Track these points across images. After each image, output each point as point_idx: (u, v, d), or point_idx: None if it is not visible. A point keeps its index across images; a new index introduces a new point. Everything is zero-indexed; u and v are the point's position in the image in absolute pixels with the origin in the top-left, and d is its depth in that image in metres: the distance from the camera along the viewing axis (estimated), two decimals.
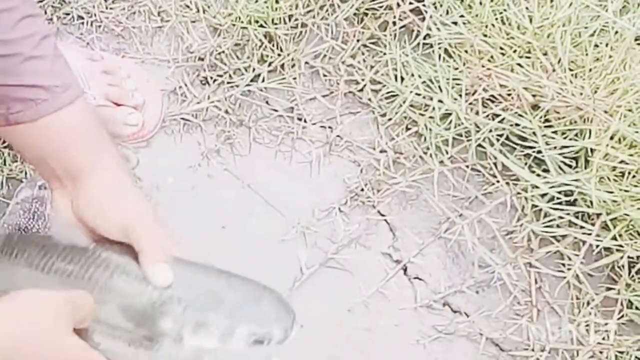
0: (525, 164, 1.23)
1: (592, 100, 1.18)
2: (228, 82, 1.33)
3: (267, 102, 1.33)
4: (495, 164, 1.25)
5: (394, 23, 1.36)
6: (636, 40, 1.27)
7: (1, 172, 1.23)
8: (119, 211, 0.84)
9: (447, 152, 1.25)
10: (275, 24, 1.35)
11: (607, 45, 1.27)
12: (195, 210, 1.24)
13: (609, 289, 1.18)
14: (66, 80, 0.85)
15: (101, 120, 0.90)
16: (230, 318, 0.78)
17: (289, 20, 1.36)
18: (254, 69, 1.34)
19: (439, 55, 1.30)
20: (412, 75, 1.30)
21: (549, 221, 1.19)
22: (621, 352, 1.13)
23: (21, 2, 0.82)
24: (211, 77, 1.34)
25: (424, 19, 1.34)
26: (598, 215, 1.16)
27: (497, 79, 1.24)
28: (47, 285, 0.81)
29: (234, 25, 1.36)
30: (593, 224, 1.16)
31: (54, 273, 0.82)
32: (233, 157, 1.29)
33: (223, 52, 1.35)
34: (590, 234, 1.15)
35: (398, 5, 1.35)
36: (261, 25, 1.35)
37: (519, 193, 1.22)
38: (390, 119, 1.30)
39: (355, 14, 1.38)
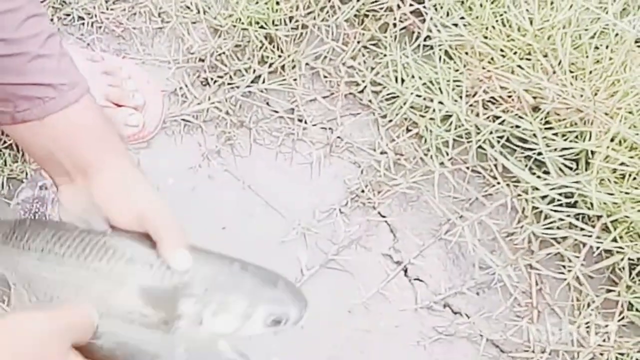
0: (526, 165, 1.23)
1: (593, 103, 1.18)
2: (228, 83, 1.33)
3: (267, 103, 1.33)
4: (495, 165, 1.25)
5: (395, 25, 1.36)
6: (636, 42, 1.27)
7: (2, 173, 1.23)
8: (134, 200, 0.84)
9: (447, 154, 1.26)
10: (276, 25, 1.35)
11: (607, 47, 1.27)
12: (196, 211, 1.24)
13: (609, 290, 1.18)
14: (73, 78, 0.86)
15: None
16: (250, 298, 0.79)
17: (290, 21, 1.36)
18: (254, 70, 1.34)
19: (440, 57, 1.30)
20: (413, 76, 1.30)
21: (550, 223, 1.19)
22: (622, 354, 1.13)
23: (26, 2, 0.83)
24: (212, 78, 1.34)
25: (424, 20, 1.34)
26: (598, 217, 1.16)
27: (497, 81, 1.24)
28: (61, 269, 0.81)
29: (234, 26, 1.36)
30: (593, 226, 1.16)
31: (68, 256, 0.81)
32: (234, 158, 1.29)
33: (223, 53, 1.35)
34: (590, 236, 1.16)
35: (398, 7, 1.35)
36: (262, 27, 1.35)
37: (519, 195, 1.22)
38: (390, 121, 1.30)
39: (355, 16, 1.38)
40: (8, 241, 0.86)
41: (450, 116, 1.25)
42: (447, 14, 1.34)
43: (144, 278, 0.80)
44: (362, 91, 1.33)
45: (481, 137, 1.24)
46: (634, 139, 1.17)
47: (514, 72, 1.25)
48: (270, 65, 1.34)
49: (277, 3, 1.36)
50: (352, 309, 1.19)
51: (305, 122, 1.31)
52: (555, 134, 1.21)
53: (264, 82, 1.33)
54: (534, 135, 1.21)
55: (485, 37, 1.30)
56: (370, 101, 1.32)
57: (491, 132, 1.24)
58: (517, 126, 1.22)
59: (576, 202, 1.19)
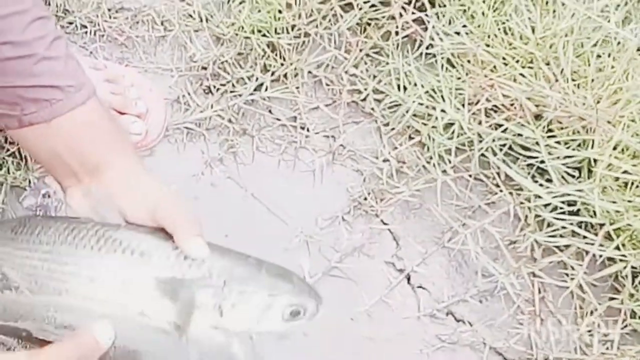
0: (528, 173, 1.24)
1: (595, 111, 1.19)
2: (231, 91, 1.34)
3: (270, 111, 1.34)
4: (498, 173, 1.25)
5: (397, 33, 1.37)
6: (638, 50, 1.28)
7: (5, 180, 1.23)
8: (145, 193, 0.85)
9: (450, 162, 1.26)
10: (278, 33, 1.36)
11: (609, 55, 1.28)
12: (201, 219, 1.25)
13: (612, 298, 1.18)
14: (79, 80, 0.87)
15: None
16: (269, 289, 0.80)
17: (292, 29, 1.37)
18: (257, 78, 1.34)
19: (442, 65, 1.31)
20: (415, 84, 1.30)
21: (552, 231, 1.20)
22: None
23: (32, 5, 0.84)
24: (214, 86, 1.34)
25: (426, 29, 1.35)
26: (601, 225, 1.17)
27: (499, 89, 1.25)
28: (74, 259, 0.81)
29: (237, 34, 1.37)
30: (596, 234, 1.17)
31: (82, 248, 0.81)
32: (236, 166, 1.29)
33: (226, 61, 1.36)
34: (593, 244, 1.16)
35: (401, 15, 1.36)
36: (264, 35, 1.36)
37: (522, 203, 1.23)
38: (393, 129, 1.31)
39: (358, 24, 1.39)
40: (17, 236, 0.86)
41: (453, 124, 1.26)
42: (450, 22, 1.35)
43: (161, 269, 0.80)
44: (364, 99, 1.34)
45: (484, 145, 1.24)
46: (636, 147, 1.17)
47: (516, 80, 1.26)
48: (272, 74, 1.35)
49: (280, 11, 1.36)
50: (355, 317, 1.19)
51: (308, 130, 1.32)
52: (558, 142, 1.22)
53: (266, 90, 1.34)
54: (537, 143, 1.21)
55: (488, 45, 1.30)
56: (372, 109, 1.33)
57: (494, 140, 1.24)
58: (520, 134, 1.23)
59: (579, 210, 1.19)
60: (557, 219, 1.18)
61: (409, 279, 1.21)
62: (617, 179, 1.17)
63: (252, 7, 1.37)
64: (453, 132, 1.25)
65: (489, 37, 1.32)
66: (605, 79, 1.24)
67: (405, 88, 1.31)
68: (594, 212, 1.16)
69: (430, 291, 1.20)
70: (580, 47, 1.29)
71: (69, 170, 0.88)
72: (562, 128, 1.22)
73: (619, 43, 1.29)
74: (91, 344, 0.77)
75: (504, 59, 1.29)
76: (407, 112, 1.29)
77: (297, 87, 1.35)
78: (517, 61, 1.28)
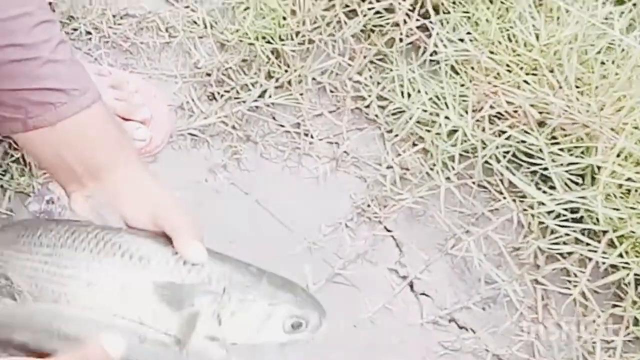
0: (532, 180, 1.25)
1: (599, 118, 1.20)
2: (235, 98, 1.36)
3: (274, 118, 1.36)
4: (501, 180, 1.27)
5: (401, 40, 1.38)
6: None
7: (9, 186, 1.25)
8: (146, 197, 0.86)
9: (453, 169, 1.27)
10: (283, 40, 1.38)
11: (613, 63, 1.29)
12: (202, 225, 1.26)
13: (615, 306, 1.19)
14: (84, 84, 0.87)
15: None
16: (270, 298, 0.79)
17: (296, 36, 1.39)
18: (261, 85, 1.36)
19: (446, 72, 1.33)
20: (419, 91, 1.32)
21: (556, 238, 1.21)
22: None
23: (37, 8, 0.85)
24: (218, 93, 1.36)
25: (430, 35, 1.37)
26: (604, 232, 1.18)
27: (503, 96, 1.27)
28: (73, 263, 0.81)
29: (241, 41, 1.39)
30: (599, 241, 1.18)
31: (82, 251, 0.81)
32: (240, 173, 1.31)
33: (230, 67, 1.37)
34: (596, 251, 1.17)
35: (405, 22, 1.38)
36: (268, 42, 1.38)
37: (525, 210, 1.24)
38: (396, 135, 1.32)
39: (362, 31, 1.41)
40: (19, 239, 0.86)
41: (457, 131, 1.27)
42: (454, 29, 1.36)
43: (160, 274, 0.79)
44: (368, 106, 1.36)
45: (487, 152, 1.26)
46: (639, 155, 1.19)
47: (520, 87, 1.28)
48: (276, 80, 1.37)
49: (284, 18, 1.38)
50: (358, 324, 1.20)
51: (312, 137, 1.34)
52: (561, 149, 1.23)
53: (270, 96, 1.36)
54: (540, 150, 1.23)
55: (492, 52, 1.32)
56: (376, 116, 1.35)
57: (497, 147, 1.26)
58: (523, 141, 1.25)
59: (582, 217, 1.20)
60: (561, 226, 1.20)
61: (412, 286, 1.22)
62: (620, 186, 1.18)
63: (257, 14, 1.39)
64: (457, 139, 1.27)
65: (493, 44, 1.33)
66: (609, 86, 1.25)
67: (409, 95, 1.33)
68: (597, 220, 1.17)
69: (433, 298, 1.21)
70: (584, 54, 1.31)
71: (73, 174, 0.88)
72: (565, 135, 1.24)
73: (623, 50, 1.30)
74: (100, 355, 0.76)
75: (508, 65, 1.31)
76: (410, 118, 1.30)
77: (301, 94, 1.36)
78: (521, 68, 1.30)
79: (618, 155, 1.19)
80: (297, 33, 1.39)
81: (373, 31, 1.41)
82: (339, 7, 1.39)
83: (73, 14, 1.42)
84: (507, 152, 1.27)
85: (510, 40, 1.33)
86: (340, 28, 1.40)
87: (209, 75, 1.38)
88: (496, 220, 1.25)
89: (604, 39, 1.31)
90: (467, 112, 1.28)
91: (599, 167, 1.20)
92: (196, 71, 1.38)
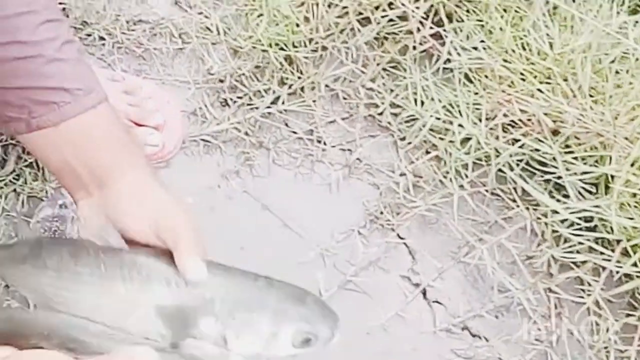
0: (545, 189, 1.27)
1: (613, 127, 1.22)
2: (248, 104, 1.38)
3: (286, 125, 1.38)
4: (515, 188, 1.29)
5: (414, 47, 1.41)
6: None
7: (22, 191, 1.27)
8: (150, 208, 0.84)
9: (466, 177, 1.29)
10: (296, 47, 1.40)
11: (627, 72, 1.31)
12: (214, 231, 1.28)
13: (628, 315, 1.21)
14: (89, 84, 0.86)
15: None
16: (275, 316, 0.77)
17: (310, 43, 1.41)
18: (274, 92, 1.38)
19: (459, 80, 1.35)
20: (432, 99, 1.34)
21: (569, 247, 1.22)
22: None
23: (43, 7, 0.84)
24: (231, 99, 1.39)
25: (444, 43, 1.39)
26: (618, 241, 1.19)
27: (517, 104, 1.29)
28: (77, 287, 0.80)
29: (254, 47, 1.41)
30: (613, 250, 1.19)
31: (86, 275, 0.81)
32: (252, 179, 1.33)
33: (243, 74, 1.40)
34: (610, 260, 1.19)
35: (418, 29, 1.40)
36: (281, 48, 1.40)
37: (539, 218, 1.26)
38: (409, 143, 1.34)
39: (375, 38, 1.43)
40: (26, 261, 0.85)
41: (470, 139, 1.29)
42: (467, 38, 1.39)
43: (161, 297, 0.79)
44: (381, 113, 1.38)
45: (501, 160, 1.28)
46: None
47: (534, 95, 1.30)
48: (289, 87, 1.39)
49: (297, 25, 1.41)
50: (371, 331, 1.22)
51: (324, 144, 1.36)
52: (575, 158, 1.25)
53: (283, 103, 1.38)
54: (554, 159, 1.25)
55: (505, 61, 1.34)
56: (389, 123, 1.37)
57: (511, 155, 1.28)
58: (537, 149, 1.26)
59: (596, 226, 1.22)
60: (574, 234, 1.21)
61: (424, 294, 1.24)
62: (634, 195, 1.20)
63: (270, 21, 1.42)
64: (470, 147, 1.29)
65: (506, 52, 1.35)
66: (624, 95, 1.27)
67: (422, 102, 1.35)
68: (611, 228, 1.19)
69: (446, 306, 1.23)
70: (599, 63, 1.33)
71: (79, 181, 0.87)
72: (579, 144, 1.26)
73: (637, 59, 1.32)
74: None
75: (521, 74, 1.33)
76: (424, 126, 1.32)
77: (314, 101, 1.39)
78: (535, 77, 1.32)
79: (632, 164, 1.21)
80: (311, 40, 1.41)
81: (386, 39, 1.43)
82: (352, 15, 1.42)
83: (87, 19, 1.45)
84: (521, 161, 1.29)
85: (524, 49, 1.35)
86: (353, 35, 1.42)
87: (222, 81, 1.40)
88: (509, 229, 1.26)
89: (618, 48, 1.33)
90: (480, 120, 1.30)
91: (612, 176, 1.22)
92: (209, 77, 1.41)
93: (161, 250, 0.82)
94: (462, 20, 1.40)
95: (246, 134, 1.36)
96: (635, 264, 1.18)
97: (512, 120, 1.29)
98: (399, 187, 1.31)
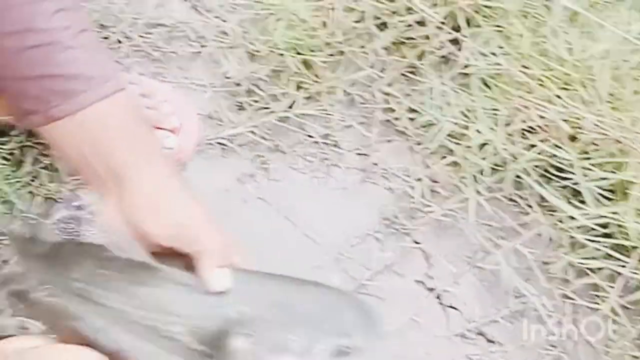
0: (562, 195, 1.29)
1: (631, 133, 1.24)
2: (264, 108, 1.40)
3: (303, 129, 1.40)
4: (532, 194, 1.30)
5: (432, 52, 1.43)
6: None
7: (38, 192, 1.30)
8: (172, 211, 0.81)
9: (483, 182, 1.31)
10: (313, 51, 1.43)
11: None
12: (230, 234, 1.30)
13: None
14: (106, 72, 0.85)
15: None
16: (309, 332, 0.76)
17: (327, 47, 1.44)
18: (290, 96, 1.41)
19: (477, 86, 1.37)
20: (450, 104, 1.36)
21: (586, 253, 1.24)
22: None
23: None
24: (248, 103, 1.41)
25: (462, 49, 1.41)
26: (635, 247, 1.21)
27: (535, 110, 1.30)
28: (106, 303, 0.79)
29: (271, 52, 1.44)
30: (630, 257, 1.21)
31: (112, 291, 0.79)
32: (268, 182, 1.35)
33: (260, 78, 1.42)
34: (626, 267, 1.20)
35: (436, 35, 1.43)
36: (298, 53, 1.42)
37: (555, 224, 1.27)
38: (426, 148, 1.36)
39: (393, 43, 1.45)
40: (55, 264, 0.85)
41: (487, 144, 1.31)
42: (485, 43, 1.41)
43: (191, 316, 0.77)
44: (398, 118, 1.40)
45: (518, 165, 1.29)
46: None
47: (552, 101, 1.31)
48: (306, 91, 1.41)
49: (315, 29, 1.43)
50: (385, 336, 1.23)
51: (341, 148, 1.38)
52: (593, 164, 1.26)
53: (299, 107, 1.40)
54: (571, 164, 1.26)
55: (524, 67, 1.36)
56: (406, 128, 1.39)
57: (528, 161, 1.29)
58: (555, 155, 1.28)
59: (613, 232, 1.24)
60: (591, 240, 1.23)
61: (439, 298, 1.26)
62: None
63: (287, 25, 1.44)
64: (487, 153, 1.31)
65: (525, 58, 1.37)
66: None
67: (439, 107, 1.37)
68: (628, 235, 1.20)
69: (461, 311, 1.25)
70: (617, 69, 1.34)
71: (97, 177, 0.85)
72: (597, 150, 1.27)
73: None
74: None
75: (540, 80, 1.34)
76: (440, 131, 1.34)
77: (331, 105, 1.41)
78: (553, 83, 1.34)
79: None
80: (328, 44, 1.44)
81: (404, 44, 1.45)
82: (370, 20, 1.45)
83: (104, 22, 1.48)
84: (538, 166, 1.30)
85: (542, 55, 1.37)
86: (371, 40, 1.45)
87: (238, 85, 1.43)
88: (526, 234, 1.28)
89: (637, 54, 1.35)
90: (497, 126, 1.32)
91: (630, 183, 1.23)
92: (226, 81, 1.44)
93: (186, 258, 0.80)
94: (480, 26, 1.42)
95: (262, 137, 1.38)
96: None
97: (530, 126, 1.31)
98: (414, 191, 1.33)
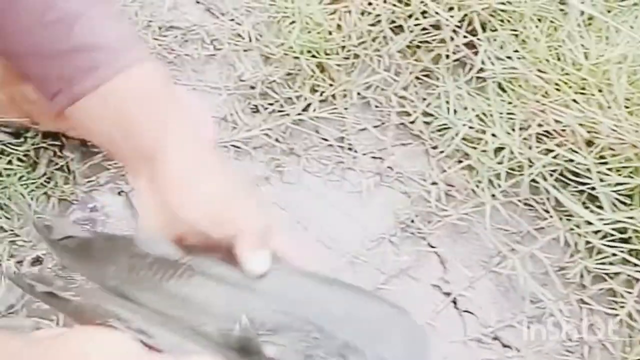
0: (579, 200, 1.29)
1: None
2: (279, 111, 1.42)
3: (317, 132, 1.41)
4: (548, 199, 1.31)
5: (447, 56, 1.44)
6: None
7: (53, 194, 1.31)
8: (202, 188, 0.77)
9: (499, 186, 1.32)
10: (328, 54, 1.44)
11: None
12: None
13: None
14: (127, 42, 0.82)
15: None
16: (342, 352, 0.71)
17: (342, 51, 1.45)
18: (305, 99, 1.42)
19: (493, 89, 1.38)
20: (465, 108, 1.37)
21: (603, 258, 1.24)
22: None
23: None
24: (262, 106, 1.42)
25: (477, 52, 1.42)
26: None
27: (551, 114, 1.31)
28: (139, 301, 0.78)
29: (286, 54, 1.45)
30: None
31: (145, 290, 0.78)
32: (282, 185, 1.36)
33: (274, 81, 1.43)
34: None
35: (452, 38, 1.44)
36: (313, 56, 1.44)
37: (572, 229, 1.28)
38: (442, 152, 1.37)
39: (408, 47, 1.46)
40: (89, 260, 0.85)
41: (503, 148, 1.32)
42: (501, 47, 1.42)
43: (220, 312, 0.75)
44: (413, 122, 1.41)
45: (534, 170, 1.30)
46: None
47: (569, 106, 1.32)
48: (321, 94, 1.43)
49: (330, 33, 1.44)
50: None
51: (355, 151, 1.39)
52: (610, 169, 1.27)
53: (314, 110, 1.41)
54: (588, 169, 1.27)
55: (540, 71, 1.37)
56: (421, 131, 1.40)
57: (544, 166, 1.30)
58: (571, 160, 1.29)
59: (630, 237, 1.24)
60: (608, 246, 1.23)
61: (455, 303, 1.26)
62: None
63: (302, 28, 1.45)
64: (503, 157, 1.32)
65: (541, 62, 1.38)
66: None
67: (455, 111, 1.38)
68: None
69: (477, 316, 1.25)
70: (634, 74, 1.35)
71: (127, 157, 0.82)
72: (614, 155, 1.28)
73: None
74: None
75: (556, 84, 1.35)
76: (456, 135, 1.35)
77: (346, 108, 1.42)
78: (570, 87, 1.34)
79: None
80: (343, 47, 1.45)
81: (419, 47, 1.46)
82: (385, 23, 1.46)
83: None
84: (554, 171, 1.31)
85: (558, 59, 1.38)
86: (386, 43, 1.46)
87: (253, 88, 1.44)
88: (542, 239, 1.29)
89: None
90: (514, 130, 1.32)
91: None
92: (240, 84, 1.45)
93: (220, 252, 0.77)
94: (496, 30, 1.43)
95: (277, 140, 1.39)
96: None
97: (546, 131, 1.32)
98: (430, 195, 1.34)
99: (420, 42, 1.46)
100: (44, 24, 0.81)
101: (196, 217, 0.78)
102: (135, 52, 0.82)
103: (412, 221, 1.32)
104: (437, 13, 1.43)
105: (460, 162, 1.36)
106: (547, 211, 1.31)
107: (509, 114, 1.35)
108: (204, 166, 0.79)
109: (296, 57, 1.44)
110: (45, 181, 1.32)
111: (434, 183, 1.35)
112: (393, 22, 1.47)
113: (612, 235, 1.24)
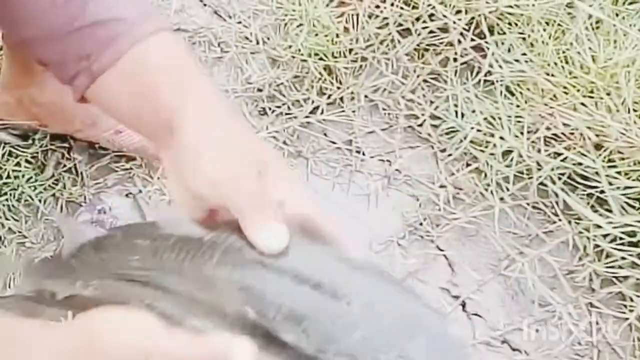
0: (588, 203, 1.30)
1: None
2: (286, 114, 1.42)
3: (325, 134, 1.41)
4: (557, 202, 1.31)
5: (455, 59, 1.44)
6: None
7: (61, 196, 1.31)
8: (213, 161, 0.71)
9: (507, 189, 1.32)
10: (335, 57, 1.44)
11: None
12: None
13: None
14: (143, 12, 0.80)
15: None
16: (361, 350, 0.63)
17: (349, 53, 1.45)
18: (312, 101, 1.42)
19: (501, 92, 1.38)
20: (473, 111, 1.38)
21: (612, 261, 1.25)
22: None
23: None
24: (270, 108, 1.43)
25: (485, 55, 1.43)
26: None
27: (560, 118, 1.32)
28: (162, 295, 0.74)
29: (293, 57, 1.45)
30: None
31: (168, 272, 0.74)
32: None
33: (282, 83, 1.44)
34: None
35: (459, 41, 1.44)
36: (321, 59, 1.44)
37: (580, 232, 1.28)
38: (450, 155, 1.38)
39: (415, 49, 1.47)
40: (116, 249, 0.81)
41: (511, 152, 1.33)
42: (509, 50, 1.42)
43: (238, 295, 0.68)
44: (421, 124, 1.41)
45: (542, 173, 1.30)
46: None
47: (577, 109, 1.33)
48: (328, 97, 1.43)
49: (337, 35, 1.45)
50: None
51: (363, 154, 1.39)
52: (619, 172, 1.28)
53: (322, 113, 1.42)
54: (597, 173, 1.28)
55: (548, 74, 1.37)
56: (429, 134, 1.40)
57: (553, 169, 1.30)
58: (580, 163, 1.29)
59: (639, 241, 1.25)
60: (617, 249, 1.24)
61: (464, 306, 1.27)
62: None
63: (310, 31, 1.46)
64: (511, 160, 1.32)
65: (549, 65, 1.39)
66: None
67: (463, 114, 1.38)
68: None
69: (485, 319, 1.26)
70: None
71: (151, 131, 0.78)
72: (622, 158, 1.28)
73: None
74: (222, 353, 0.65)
75: (564, 87, 1.36)
76: (464, 138, 1.36)
77: (354, 111, 1.42)
78: (578, 90, 1.35)
79: None
80: (350, 50, 1.45)
81: (427, 50, 1.47)
82: (392, 26, 1.46)
83: None
84: (563, 174, 1.31)
85: (566, 62, 1.39)
86: (393, 46, 1.46)
87: (260, 90, 1.44)
88: (551, 242, 1.29)
89: None
90: (522, 133, 1.33)
91: None
92: (248, 86, 1.45)
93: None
94: (504, 33, 1.44)
95: (284, 143, 1.39)
96: None
97: (555, 134, 1.33)
98: (438, 198, 1.34)
99: (428, 45, 1.46)
100: (58, 5, 0.79)
101: (203, 192, 0.72)
102: (152, 22, 0.79)
103: (421, 224, 1.32)
104: (444, 16, 1.44)
105: (468, 165, 1.37)
106: (555, 214, 1.31)
107: (517, 117, 1.36)
108: (218, 136, 0.74)
109: (304, 60, 1.44)
110: (53, 183, 1.32)
111: (442, 186, 1.36)
112: (400, 25, 1.47)
113: (621, 238, 1.25)
